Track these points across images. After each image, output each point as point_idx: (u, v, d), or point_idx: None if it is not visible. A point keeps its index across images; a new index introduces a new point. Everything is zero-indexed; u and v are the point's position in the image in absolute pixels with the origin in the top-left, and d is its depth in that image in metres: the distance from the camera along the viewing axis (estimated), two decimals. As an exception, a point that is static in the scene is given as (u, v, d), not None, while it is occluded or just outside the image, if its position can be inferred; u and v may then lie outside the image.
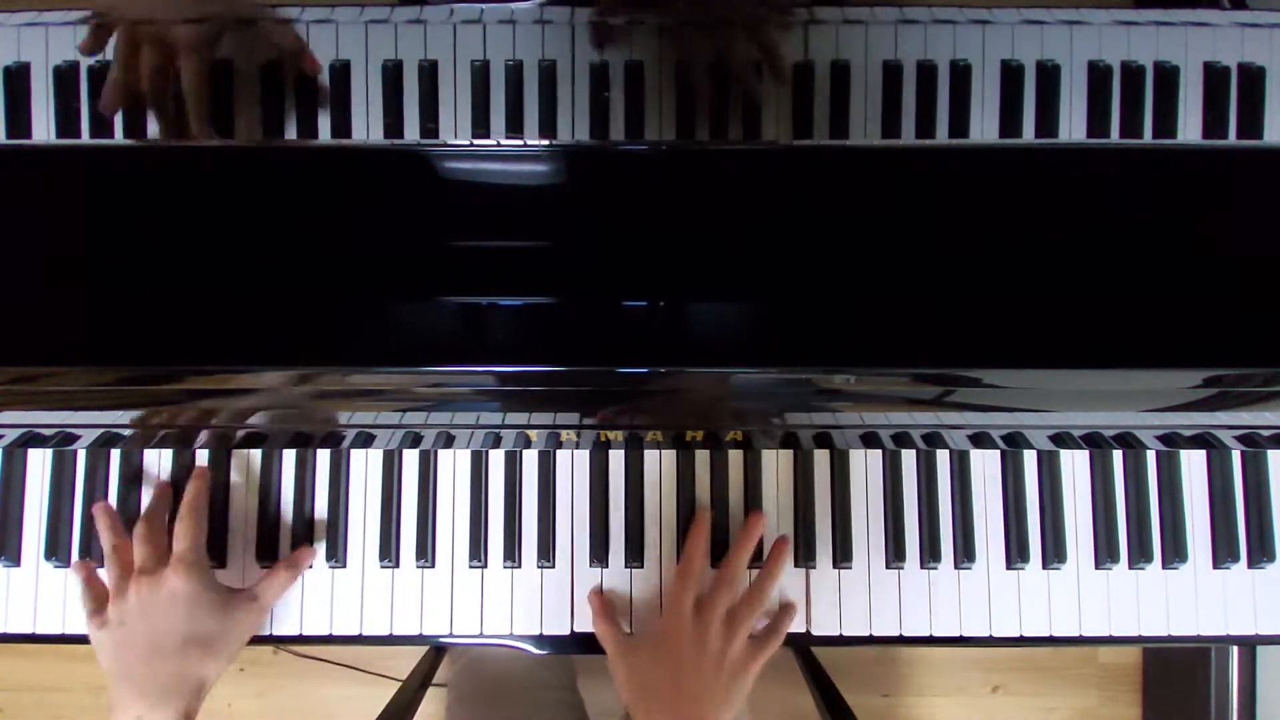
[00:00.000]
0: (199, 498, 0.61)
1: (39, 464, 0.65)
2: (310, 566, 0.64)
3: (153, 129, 0.57)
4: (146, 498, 0.64)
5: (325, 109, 0.58)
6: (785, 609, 0.63)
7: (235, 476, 0.65)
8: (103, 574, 0.61)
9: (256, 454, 0.65)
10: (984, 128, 0.62)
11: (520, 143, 0.59)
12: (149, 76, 0.56)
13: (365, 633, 0.64)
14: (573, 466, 0.65)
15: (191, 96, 0.56)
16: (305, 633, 0.64)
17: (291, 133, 0.57)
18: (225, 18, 0.57)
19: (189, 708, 0.54)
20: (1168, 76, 0.62)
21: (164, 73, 0.56)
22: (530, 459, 0.65)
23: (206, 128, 0.56)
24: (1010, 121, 0.61)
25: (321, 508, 0.65)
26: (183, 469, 0.65)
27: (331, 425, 0.63)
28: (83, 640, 0.64)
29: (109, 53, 0.61)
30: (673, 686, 0.55)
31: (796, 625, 0.64)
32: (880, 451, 0.65)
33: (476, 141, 0.59)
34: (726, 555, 0.62)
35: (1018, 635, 0.64)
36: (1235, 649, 1.13)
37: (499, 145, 0.58)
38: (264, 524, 0.64)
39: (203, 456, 0.65)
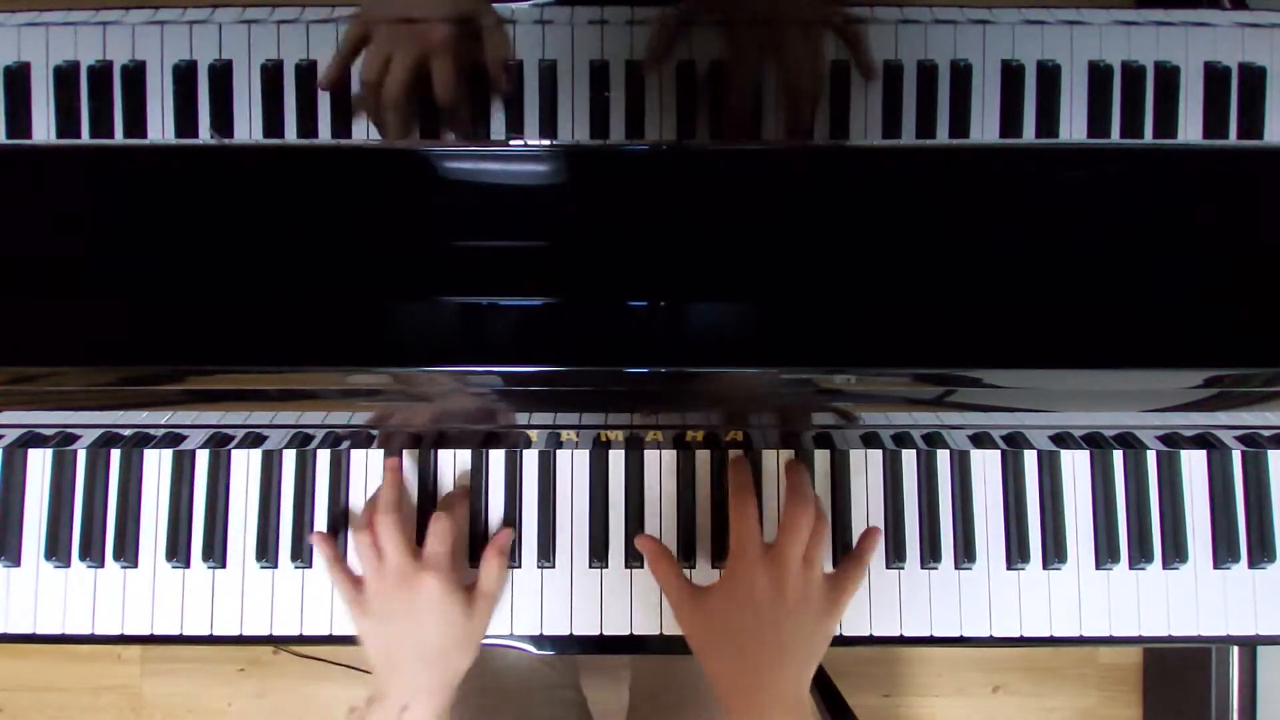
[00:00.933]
0: (461, 503, 0.61)
1: (39, 464, 0.65)
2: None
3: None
4: (148, 498, 0.65)
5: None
6: (867, 534, 0.60)
7: (235, 477, 0.65)
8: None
9: (257, 454, 0.65)
10: (984, 128, 0.62)
11: (521, 143, 0.60)
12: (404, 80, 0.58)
13: (365, 633, 0.64)
14: (573, 466, 0.65)
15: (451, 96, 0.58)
16: (305, 633, 0.64)
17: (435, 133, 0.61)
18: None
19: (448, 700, 0.58)
20: (1168, 76, 0.62)
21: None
22: (530, 459, 0.65)
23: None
24: (1010, 121, 0.61)
25: (322, 508, 0.65)
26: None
27: (332, 425, 0.63)
28: (83, 640, 0.64)
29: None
30: (754, 637, 0.51)
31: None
32: (880, 451, 0.65)
33: (477, 141, 0.60)
34: (789, 487, 0.58)
35: (1018, 635, 0.64)
36: (1235, 649, 1.13)
37: (499, 146, 0.58)
38: (264, 524, 0.64)
39: (203, 457, 0.65)
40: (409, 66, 0.57)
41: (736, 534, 0.55)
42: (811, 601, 0.52)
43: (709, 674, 0.54)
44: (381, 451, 0.65)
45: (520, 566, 0.64)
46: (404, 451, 0.65)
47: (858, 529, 0.64)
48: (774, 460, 0.65)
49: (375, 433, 0.64)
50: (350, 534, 0.61)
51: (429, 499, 0.65)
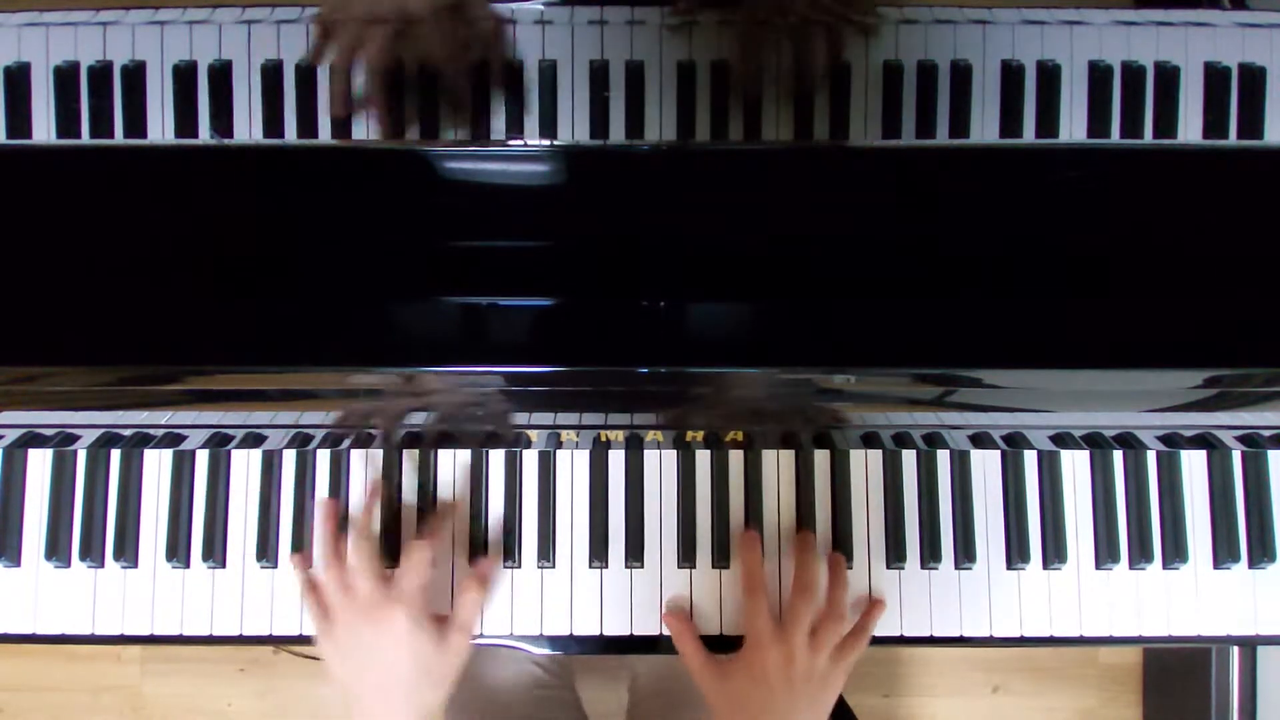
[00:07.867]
0: (444, 527, 0.60)
1: (39, 464, 0.65)
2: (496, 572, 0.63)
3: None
4: (148, 498, 0.64)
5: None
6: (870, 609, 0.63)
7: (235, 477, 0.65)
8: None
9: (257, 454, 0.65)
10: (984, 128, 0.62)
11: (521, 143, 0.60)
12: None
13: (365, 633, 0.64)
14: (573, 466, 0.65)
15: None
16: (305, 633, 0.64)
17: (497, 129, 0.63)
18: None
19: None
20: (1168, 77, 0.62)
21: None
22: (530, 459, 0.65)
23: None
24: (1010, 121, 0.61)
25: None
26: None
27: (333, 425, 0.63)
28: (83, 640, 0.64)
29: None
30: (767, 707, 0.58)
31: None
32: (880, 451, 0.65)
33: (477, 141, 0.60)
34: (796, 570, 0.62)
35: (1018, 635, 0.64)
36: (1235, 649, 1.13)
37: (499, 145, 0.58)
38: (264, 524, 0.64)
39: (203, 457, 0.65)
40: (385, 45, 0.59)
41: (750, 623, 0.60)
42: (815, 676, 0.59)
43: None
44: (380, 452, 0.65)
45: (520, 567, 0.64)
46: (402, 459, 0.64)
47: (858, 529, 0.64)
48: (774, 460, 0.65)
49: (375, 433, 0.64)
50: (319, 565, 0.60)
51: (428, 500, 0.65)
